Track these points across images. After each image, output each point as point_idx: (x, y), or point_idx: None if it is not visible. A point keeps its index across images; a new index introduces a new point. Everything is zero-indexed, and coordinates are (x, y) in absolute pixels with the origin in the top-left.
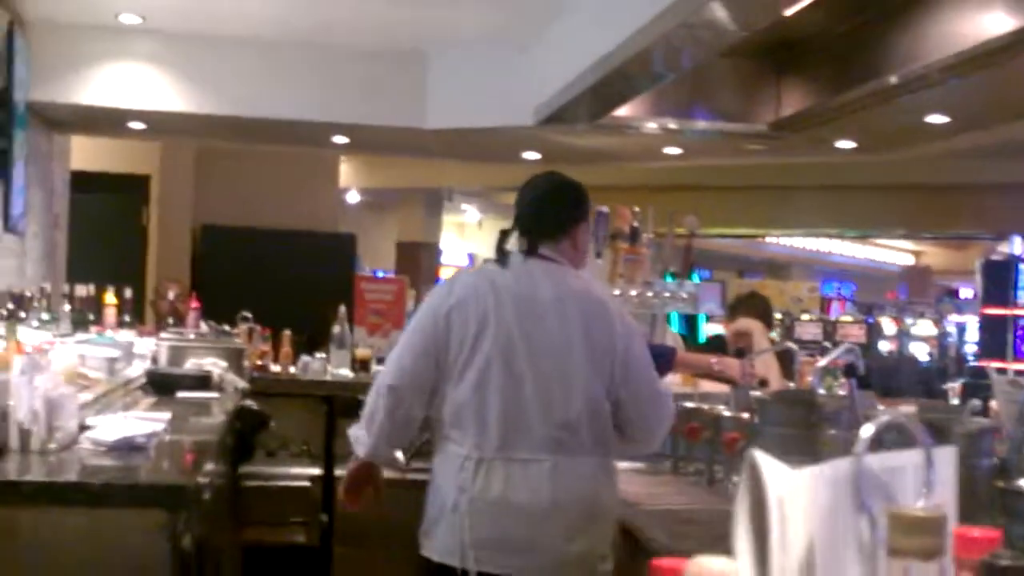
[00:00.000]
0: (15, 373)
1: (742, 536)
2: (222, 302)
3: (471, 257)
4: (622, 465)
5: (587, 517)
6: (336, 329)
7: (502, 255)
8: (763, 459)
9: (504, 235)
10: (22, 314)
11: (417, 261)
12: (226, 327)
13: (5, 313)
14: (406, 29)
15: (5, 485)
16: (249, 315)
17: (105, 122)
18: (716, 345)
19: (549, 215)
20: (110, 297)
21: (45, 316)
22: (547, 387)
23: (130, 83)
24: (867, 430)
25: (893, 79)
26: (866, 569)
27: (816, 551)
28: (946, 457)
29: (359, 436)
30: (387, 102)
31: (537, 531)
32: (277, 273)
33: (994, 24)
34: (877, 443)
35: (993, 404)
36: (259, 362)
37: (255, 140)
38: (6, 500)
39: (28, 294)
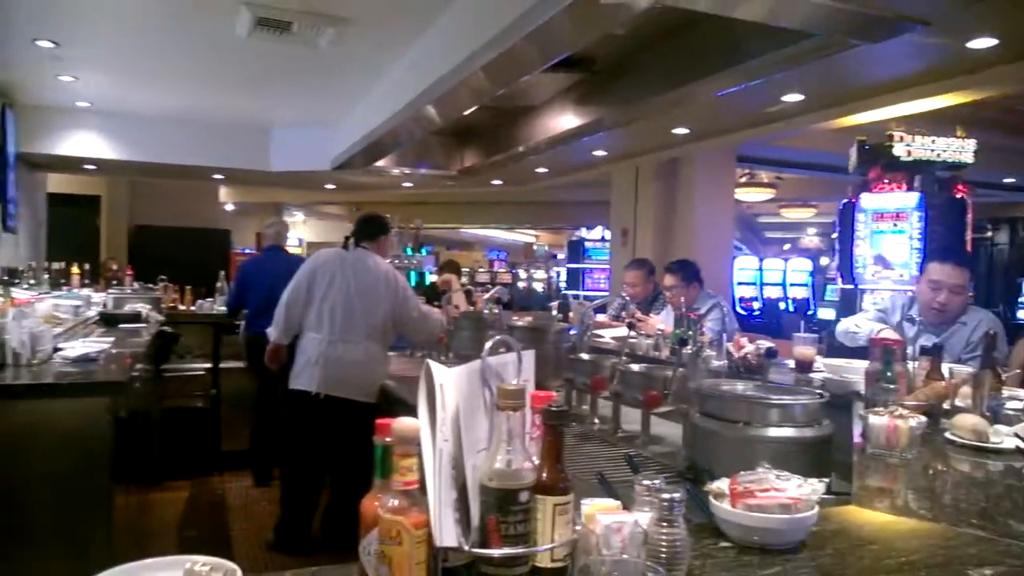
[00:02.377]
0: (9, 318)
1: (422, 406)
2: (149, 270)
3: (300, 240)
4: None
5: (378, 371)
6: (219, 284)
7: (345, 246)
8: (432, 364)
9: (347, 238)
10: (16, 281)
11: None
12: (150, 285)
13: (4, 280)
14: (258, 113)
15: (5, 387)
16: (165, 277)
17: (68, 165)
18: (433, 289)
19: (368, 230)
20: (75, 269)
21: (32, 282)
22: (366, 307)
23: (83, 142)
24: (487, 345)
25: (520, 149)
26: (488, 419)
27: (461, 411)
28: (530, 356)
29: (271, 331)
30: (246, 155)
31: (357, 375)
32: (182, 252)
33: (568, 122)
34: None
35: (571, 314)
36: (172, 304)
37: (165, 176)
38: (5, 397)
39: (20, 268)
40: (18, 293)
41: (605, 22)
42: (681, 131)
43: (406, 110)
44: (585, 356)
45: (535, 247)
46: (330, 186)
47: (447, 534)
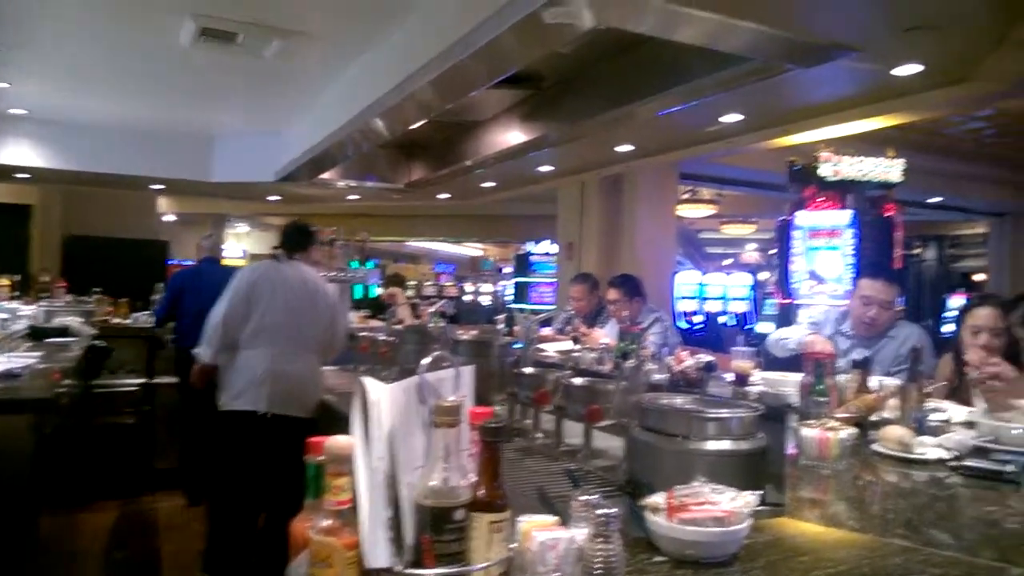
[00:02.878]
0: None
1: (356, 423)
2: (83, 282)
3: (244, 251)
4: (330, 367)
5: (319, 384)
6: (155, 297)
7: (275, 257)
8: (367, 380)
9: (276, 248)
10: None
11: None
12: (84, 298)
13: None
14: (201, 123)
15: None
16: (99, 289)
17: (0, 174)
18: (377, 303)
19: (300, 241)
20: (4, 280)
21: None
22: (306, 320)
23: (17, 150)
24: (424, 361)
25: (468, 163)
26: (425, 436)
27: (396, 428)
28: (468, 372)
29: (201, 351)
30: (187, 165)
31: (300, 390)
32: (119, 263)
33: (514, 138)
34: (441, 359)
35: (517, 327)
36: (106, 317)
37: (103, 186)
38: None
39: None
40: None
41: (550, 40)
42: (625, 148)
43: (353, 123)
44: (529, 370)
45: (481, 261)
46: (274, 197)
47: (379, 554)
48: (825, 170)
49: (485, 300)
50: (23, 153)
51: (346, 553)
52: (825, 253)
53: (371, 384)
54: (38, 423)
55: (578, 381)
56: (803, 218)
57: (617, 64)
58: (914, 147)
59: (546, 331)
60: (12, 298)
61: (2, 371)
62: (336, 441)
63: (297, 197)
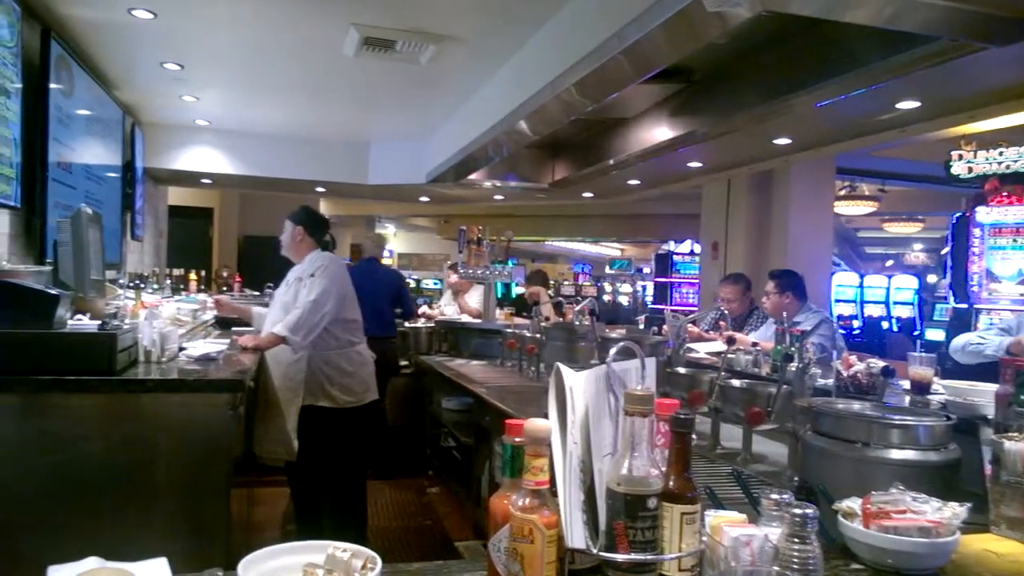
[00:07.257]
0: (141, 319)
1: (552, 406)
2: (255, 278)
3: (391, 251)
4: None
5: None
6: None
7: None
8: (562, 367)
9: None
10: (143, 285)
11: (362, 252)
12: (256, 292)
13: (134, 284)
14: (359, 129)
15: (138, 382)
16: (272, 285)
17: (187, 179)
18: (521, 300)
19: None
20: (192, 275)
21: (156, 286)
22: None
23: (201, 158)
24: (613, 350)
25: (611, 162)
26: (613, 424)
27: (589, 413)
28: (652, 363)
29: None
30: (346, 169)
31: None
32: (286, 261)
33: (661, 134)
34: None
35: (665, 328)
36: None
37: (271, 189)
38: (138, 391)
39: (145, 274)
40: (146, 297)
41: (701, 33)
42: (783, 141)
43: (500, 125)
44: (682, 370)
45: (611, 260)
46: (424, 199)
47: (576, 536)
48: (958, 168)
49: (625, 300)
50: (206, 160)
51: (547, 531)
52: (1010, 253)
53: (566, 371)
54: (233, 402)
55: (736, 383)
56: (984, 214)
57: (774, 52)
58: None
59: (692, 330)
60: (199, 290)
61: (202, 354)
62: (535, 423)
63: (444, 198)
